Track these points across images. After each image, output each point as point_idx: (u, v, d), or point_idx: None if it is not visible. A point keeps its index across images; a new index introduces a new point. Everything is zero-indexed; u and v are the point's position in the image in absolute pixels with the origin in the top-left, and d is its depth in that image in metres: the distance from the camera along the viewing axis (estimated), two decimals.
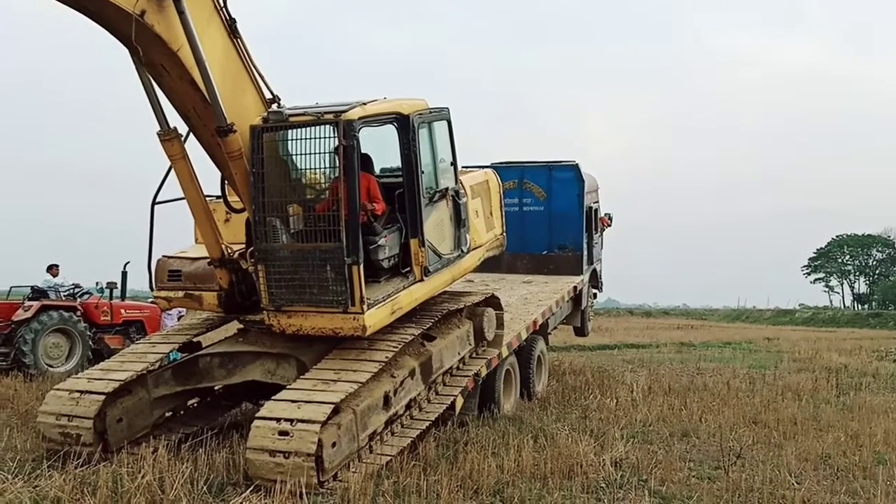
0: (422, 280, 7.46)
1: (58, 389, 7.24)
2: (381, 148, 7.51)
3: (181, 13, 6.02)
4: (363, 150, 6.84)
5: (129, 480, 5.75)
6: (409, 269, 7.37)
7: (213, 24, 6.50)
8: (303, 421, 5.90)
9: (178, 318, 14.92)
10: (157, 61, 6.31)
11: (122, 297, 15.06)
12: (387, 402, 6.89)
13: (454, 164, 8.15)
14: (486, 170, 9.93)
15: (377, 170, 7.79)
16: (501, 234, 9.84)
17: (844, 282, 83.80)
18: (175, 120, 6.95)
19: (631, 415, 9.36)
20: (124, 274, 14.73)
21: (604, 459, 6.85)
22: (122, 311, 14.85)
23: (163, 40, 6.04)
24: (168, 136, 6.91)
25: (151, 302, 15.52)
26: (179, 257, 8.34)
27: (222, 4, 6.59)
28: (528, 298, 11.61)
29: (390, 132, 7.27)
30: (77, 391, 7.08)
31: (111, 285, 14.68)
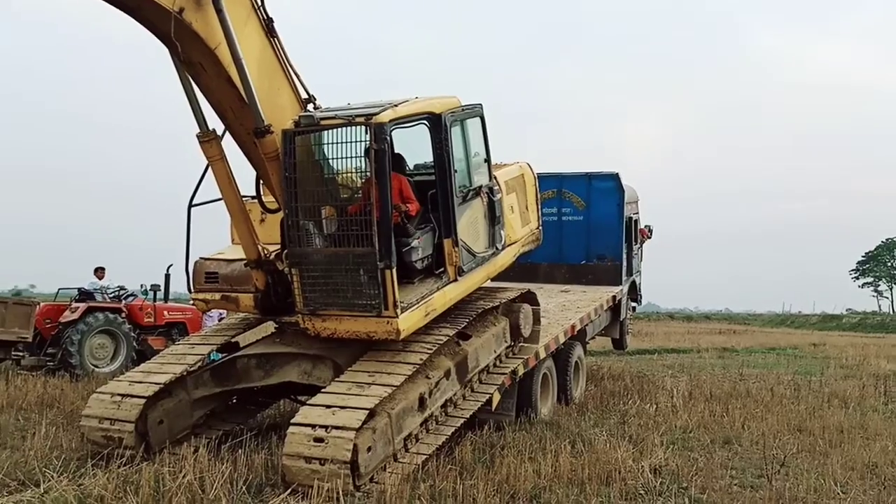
0: (455, 280, 7.42)
1: (100, 393, 7.34)
2: (414, 144, 7.49)
3: (219, 11, 6.11)
4: (395, 149, 6.82)
5: (171, 480, 5.81)
6: (442, 269, 7.34)
7: (250, 23, 6.57)
8: (337, 427, 5.90)
9: (219, 319, 15.15)
10: (195, 59, 6.40)
11: (165, 298, 15.31)
12: (422, 403, 6.86)
13: (488, 160, 8.10)
14: (520, 163, 9.75)
15: (410, 166, 7.77)
16: (537, 227, 9.75)
17: (894, 286, 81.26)
18: (212, 121, 7.05)
19: (671, 421, 9.19)
20: (167, 276, 14.99)
21: (643, 466, 6.73)
22: (165, 312, 15.10)
23: (201, 38, 6.13)
24: (207, 138, 7.02)
25: (192, 304, 15.82)
26: (216, 259, 8.43)
27: (260, 4, 6.66)
28: (567, 306, 11.52)
29: (423, 129, 7.24)
30: (119, 394, 7.17)
31: (154, 287, 14.94)
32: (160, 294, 15.06)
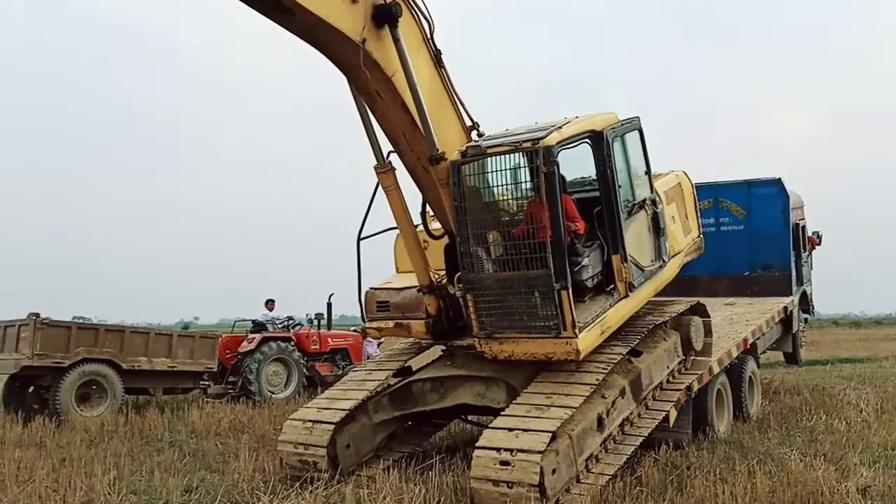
0: (626, 296, 7.32)
1: (293, 420, 7.80)
2: (567, 162, 7.51)
3: (396, 41, 6.50)
4: None
5: (370, 501, 6.10)
6: (612, 286, 7.26)
7: (421, 54, 6.93)
8: (522, 451, 5.94)
9: (378, 345, 15.78)
10: (372, 88, 6.78)
11: (329, 326, 16.14)
12: (600, 423, 6.78)
13: (648, 172, 8.01)
14: (676, 172, 9.54)
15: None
16: (699, 236, 9.51)
17: None
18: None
19: (867, 437, 8.53)
20: (329, 305, 15.86)
21: (848, 487, 6.25)
22: (329, 339, 15.91)
23: (380, 66, 6.53)
24: (384, 169, 7.41)
25: (354, 330, 16.57)
26: (385, 288, 8.76)
27: (429, 36, 6.99)
28: (734, 319, 10.95)
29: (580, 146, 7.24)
30: (310, 421, 7.60)
31: (318, 316, 15.83)
32: (324, 322, 15.91)
